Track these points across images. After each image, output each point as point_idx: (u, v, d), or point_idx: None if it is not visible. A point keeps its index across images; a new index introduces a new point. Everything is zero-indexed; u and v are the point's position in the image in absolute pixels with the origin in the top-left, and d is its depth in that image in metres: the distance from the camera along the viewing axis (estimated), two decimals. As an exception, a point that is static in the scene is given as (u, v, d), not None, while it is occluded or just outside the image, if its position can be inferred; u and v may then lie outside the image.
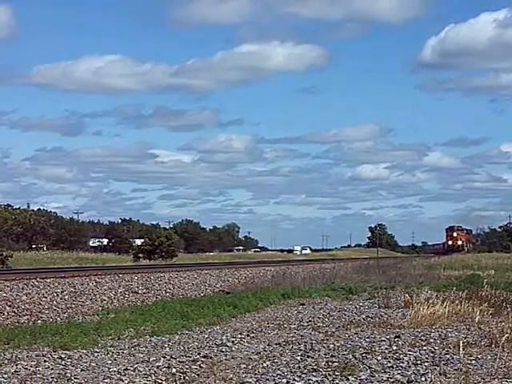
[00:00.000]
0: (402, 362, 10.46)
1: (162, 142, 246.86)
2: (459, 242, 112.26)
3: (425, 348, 11.70)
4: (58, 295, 22.67)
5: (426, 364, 10.35)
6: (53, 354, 11.50)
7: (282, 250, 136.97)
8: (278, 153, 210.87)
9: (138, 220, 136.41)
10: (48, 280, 24.70)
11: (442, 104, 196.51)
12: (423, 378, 9.41)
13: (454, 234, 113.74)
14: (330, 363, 10.34)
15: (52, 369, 10.19)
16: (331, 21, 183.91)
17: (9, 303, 20.50)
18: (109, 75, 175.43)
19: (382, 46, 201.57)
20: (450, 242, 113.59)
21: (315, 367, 10.08)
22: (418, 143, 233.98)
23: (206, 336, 13.69)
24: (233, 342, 12.69)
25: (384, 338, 12.67)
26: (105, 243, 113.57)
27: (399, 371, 9.86)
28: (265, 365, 10.36)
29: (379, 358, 10.79)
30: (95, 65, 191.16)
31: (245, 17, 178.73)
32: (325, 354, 11.11)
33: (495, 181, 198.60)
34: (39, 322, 18.06)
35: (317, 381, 9.31)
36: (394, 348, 11.68)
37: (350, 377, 9.46)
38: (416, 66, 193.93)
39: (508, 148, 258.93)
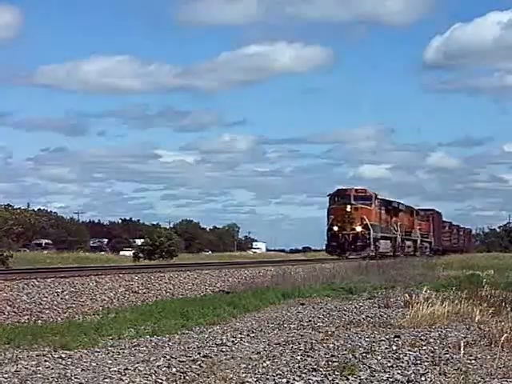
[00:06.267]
0: (402, 362, 10.48)
1: (166, 142, 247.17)
2: (357, 229, 53.03)
3: (425, 348, 11.71)
4: (58, 295, 22.65)
5: (426, 364, 10.36)
6: (53, 353, 11.50)
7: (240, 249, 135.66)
8: (280, 153, 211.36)
9: (139, 220, 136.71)
10: (48, 280, 24.65)
11: (445, 104, 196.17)
12: (423, 378, 9.43)
13: (348, 209, 53.19)
14: (330, 363, 10.35)
15: (52, 368, 10.20)
16: (338, 22, 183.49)
17: (9, 303, 20.48)
18: (114, 75, 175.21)
19: (386, 47, 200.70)
20: (335, 228, 53.50)
21: (315, 367, 10.10)
22: (421, 144, 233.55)
23: (206, 336, 13.69)
24: (233, 341, 12.70)
25: (384, 338, 12.68)
26: (105, 243, 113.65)
27: (399, 371, 9.88)
28: (265, 364, 10.37)
29: (379, 357, 10.81)
30: (100, 65, 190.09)
31: (251, 17, 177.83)
32: (325, 354, 11.12)
33: (497, 181, 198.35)
34: (40, 321, 18.05)
35: (317, 381, 9.33)
36: (394, 348, 11.69)
37: (349, 376, 9.48)
38: (420, 66, 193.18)
39: (511, 148, 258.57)
